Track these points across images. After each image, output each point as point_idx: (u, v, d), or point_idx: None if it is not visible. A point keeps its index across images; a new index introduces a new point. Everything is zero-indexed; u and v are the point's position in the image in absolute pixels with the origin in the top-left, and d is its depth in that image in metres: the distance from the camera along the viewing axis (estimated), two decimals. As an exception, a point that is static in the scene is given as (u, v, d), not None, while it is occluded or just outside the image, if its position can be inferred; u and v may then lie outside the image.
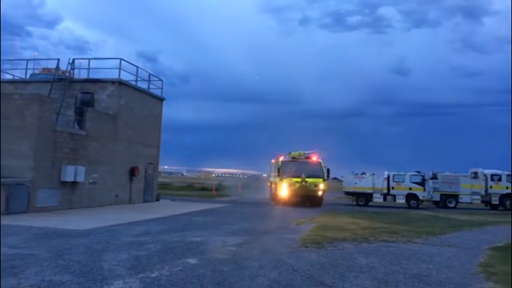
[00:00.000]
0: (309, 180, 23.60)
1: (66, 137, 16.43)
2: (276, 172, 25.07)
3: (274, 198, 26.57)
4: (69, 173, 16.07)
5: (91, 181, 17.59)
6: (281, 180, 23.82)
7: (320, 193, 24.15)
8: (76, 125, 17.87)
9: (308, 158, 25.60)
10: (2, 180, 13.64)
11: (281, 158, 25.41)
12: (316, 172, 24.43)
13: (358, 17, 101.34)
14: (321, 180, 24.08)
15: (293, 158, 25.56)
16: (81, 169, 16.64)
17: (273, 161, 29.03)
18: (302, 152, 25.78)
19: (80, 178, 16.59)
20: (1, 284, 5.66)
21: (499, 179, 28.21)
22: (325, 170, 24.85)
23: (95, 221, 12.98)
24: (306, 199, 24.29)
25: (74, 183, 16.53)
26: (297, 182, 23.43)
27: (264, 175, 53.98)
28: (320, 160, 25.18)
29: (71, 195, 16.57)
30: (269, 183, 30.50)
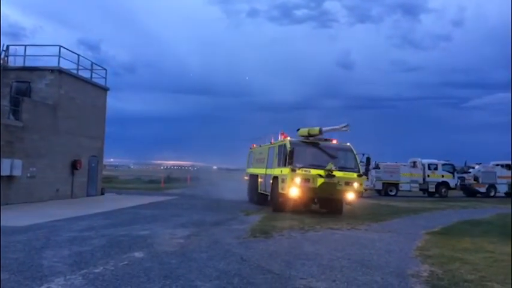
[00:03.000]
0: (339, 174, 14.33)
1: (1, 129, 15.37)
2: (281, 159, 15.52)
3: (258, 197, 18.68)
4: (5, 167, 15.08)
5: (29, 175, 16.62)
6: (292, 171, 14.15)
7: (352, 196, 14.57)
8: (11, 116, 16.76)
9: (329, 140, 16.20)
10: None
11: (288, 138, 15.81)
12: (348, 162, 15.23)
13: (305, 10, 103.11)
14: (355, 175, 14.63)
15: (306, 136, 16.13)
16: (18, 162, 15.67)
17: (253, 146, 22.06)
18: (319, 128, 15.84)
19: (17, 172, 15.62)
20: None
21: (435, 168, 30.04)
22: (358, 160, 15.54)
23: (34, 216, 12.31)
24: (326, 203, 15.62)
25: (10, 178, 15.53)
26: (319, 175, 14.14)
27: (214, 167, 53.60)
28: (350, 144, 15.92)
29: (7, 190, 15.57)
30: (246, 177, 22.13)
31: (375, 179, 29.41)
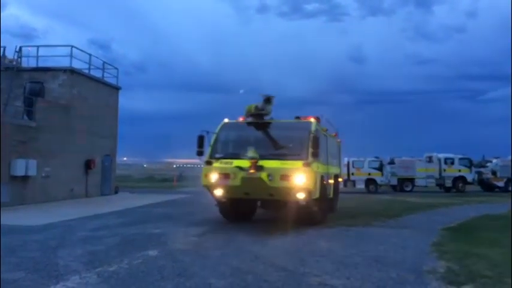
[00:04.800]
0: (272, 164, 9.75)
1: (15, 129, 15.60)
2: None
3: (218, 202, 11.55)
4: (20, 167, 15.29)
5: (44, 175, 16.83)
6: (207, 164, 10.43)
7: (302, 195, 9.82)
8: (25, 116, 16.98)
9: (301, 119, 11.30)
10: None
11: (225, 121, 11.52)
12: (296, 145, 10.29)
13: (316, 4, 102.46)
14: (299, 164, 9.73)
15: (256, 115, 11.10)
16: (33, 162, 15.87)
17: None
18: (267, 96, 10.89)
19: (32, 172, 15.83)
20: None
21: (452, 163, 29.54)
22: (320, 143, 10.58)
23: (49, 216, 12.46)
24: (277, 208, 12.00)
25: (25, 178, 15.75)
26: (239, 167, 9.85)
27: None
28: (313, 121, 10.91)
29: (22, 190, 15.80)
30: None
31: (390, 175, 29.11)
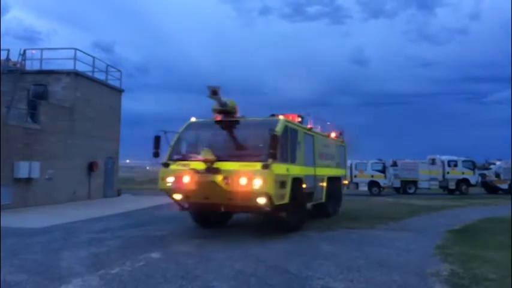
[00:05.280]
0: (229, 166, 8.88)
1: (19, 132, 15.65)
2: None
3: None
4: (23, 169, 15.34)
5: (47, 177, 16.86)
6: (165, 166, 9.67)
7: (262, 200, 8.75)
8: (29, 119, 17.04)
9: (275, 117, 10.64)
10: None
11: (192, 120, 10.79)
12: (259, 146, 9.34)
13: (318, 7, 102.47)
14: (258, 166, 8.67)
15: (226, 113, 10.02)
16: (36, 165, 15.91)
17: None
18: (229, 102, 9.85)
19: (35, 174, 15.87)
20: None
21: (455, 165, 29.44)
22: (290, 145, 10.02)
23: (52, 218, 12.48)
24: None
25: (28, 180, 15.79)
26: (195, 170, 9.05)
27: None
28: (281, 119, 10.14)
29: (25, 192, 15.83)
30: None
31: (393, 177, 29.05)
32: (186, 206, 10.08)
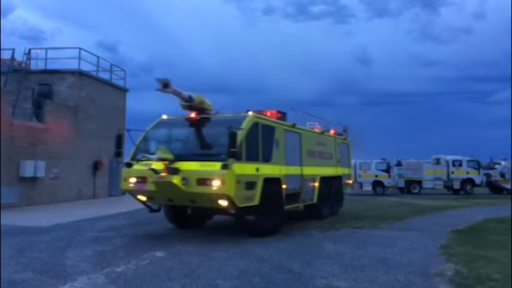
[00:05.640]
0: (190, 166, 8.37)
1: (24, 131, 15.75)
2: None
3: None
4: (28, 168, 15.45)
5: (52, 176, 16.97)
6: (127, 166, 9.24)
7: (224, 202, 8.35)
8: (34, 118, 17.15)
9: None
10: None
11: (163, 117, 10.31)
12: (220, 145, 8.56)
13: (322, 6, 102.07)
14: (217, 166, 8.12)
15: (200, 109, 9.51)
16: (41, 164, 16.02)
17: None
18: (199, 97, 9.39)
19: (40, 173, 15.98)
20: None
21: (460, 165, 29.34)
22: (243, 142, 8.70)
23: (57, 217, 12.56)
24: (205, 217, 10.87)
25: (33, 179, 15.90)
26: (154, 170, 8.43)
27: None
28: (250, 115, 9.37)
29: (30, 191, 15.94)
30: None
31: (397, 177, 28.99)
32: (157, 208, 9.90)
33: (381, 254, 7.61)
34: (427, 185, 29.05)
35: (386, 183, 28.53)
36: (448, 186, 29.45)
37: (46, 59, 19.27)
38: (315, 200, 12.01)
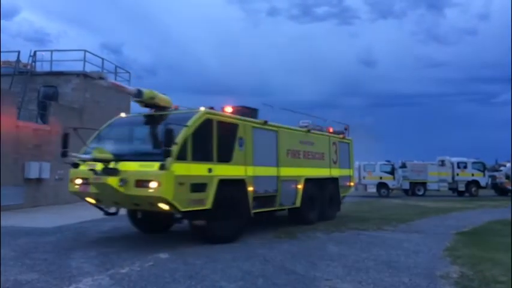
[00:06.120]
0: (129, 166, 7.74)
1: (29, 132, 15.83)
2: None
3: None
4: (33, 170, 15.52)
5: (57, 177, 17.03)
6: (74, 167, 8.64)
7: (165, 206, 7.73)
8: (39, 120, 17.24)
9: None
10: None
11: (121, 115, 10.14)
12: (161, 143, 7.68)
13: (326, 7, 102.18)
14: (155, 167, 7.45)
15: (144, 106, 9.30)
16: (46, 165, 16.09)
17: None
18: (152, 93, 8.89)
19: (45, 175, 16.05)
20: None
21: (465, 167, 29.24)
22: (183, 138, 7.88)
23: (62, 218, 12.61)
24: (156, 222, 9.88)
25: (38, 180, 15.98)
26: (94, 171, 8.01)
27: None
28: (201, 110, 8.65)
29: (35, 192, 16.02)
30: None
31: (401, 178, 28.91)
32: (114, 210, 9.30)
33: (386, 256, 7.59)
34: (431, 187, 28.97)
35: (390, 185, 28.46)
36: (453, 188, 29.36)
37: (51, 61, 19.40)
38: (297, 204, 11.17)
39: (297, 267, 6.60)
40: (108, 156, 7.82)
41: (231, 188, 8.81)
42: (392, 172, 28.66)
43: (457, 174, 29.15)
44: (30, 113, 17.47)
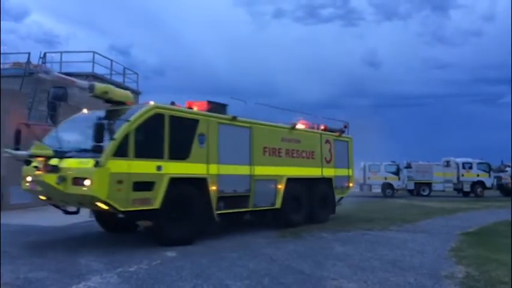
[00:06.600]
0: (67, 163, 7.45)
1: (40, 133, 15.97)
2: None
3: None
4: (42, 169, 15.66)
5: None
6: (27, 164, 8.06)
7: (103, 206, 7.44)
8: (49, 120, 17.42)
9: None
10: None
11: (83, 111, 9.79)
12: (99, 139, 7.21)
13: (331, 9, 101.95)
14: (90, 164, 7.14)
15: (105, 102, 9.15)
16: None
17: None
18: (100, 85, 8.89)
19: (54, 174, 16.18)
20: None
21: (470, 167, 29.14)
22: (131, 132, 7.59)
23: (71, 217, 12.67)
24: (115, 223, 9.52)
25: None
26: (36, 167, 7.73)
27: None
28: (151, 105, 8.21)
29: (44, 191, 16.16)
30: None
31: (406, 179, 28.86)
32: (73, 210, 8.81)
33: (391, 255, 7.62)
34: (437, 187, 28.91)
35: (395, 186, 28.42)
36: (458, 188, 29.28)
37: (61, 62, 19.62)
38: (277, 205, 10.62)
39: (303, 266, 6.66)
40: (48, 152, 7.53)
41: (187, 187, 8.43)
42: (397, 172, 28.64)
43: (463, 175, 29.06)
44: (40, 114, 17.67)
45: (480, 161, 29.54)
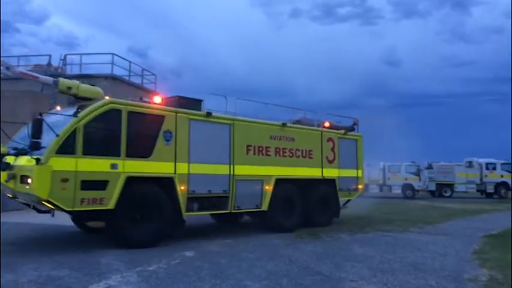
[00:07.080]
0: (18, 161, 7.47)
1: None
2: None
3: None
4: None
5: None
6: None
7: (48, 204, 7.22)
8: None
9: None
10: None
11: (58, 108, 9.22)
12: (48, 137, 7.10)
13: (349, 8, 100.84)
14: (33, 161, 6.90)
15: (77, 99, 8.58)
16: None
17: None
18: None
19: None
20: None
21: (494, 168, 28.49)
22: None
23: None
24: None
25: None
26: None
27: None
28: (106, 100, 7.93)
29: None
30: None
31: (427, 180, 28.36)
32: (45, 209, 8.03)
33: (412, 258, 7.50)
34: (459, 188, 28.34)
35: (416, 187, 27.97)
36: (481, 190, 28.65)
37: (81, 64, 19.96)
38: (264, 207, 10.03)
39: (322, 267, 6.61)
40: (3, 150, 7.40)
41: (148, 186, 8.06)
42: (417, 173, 28.17)
43: (486, 176, 28.42)
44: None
45: (504, 161, 28.83)
